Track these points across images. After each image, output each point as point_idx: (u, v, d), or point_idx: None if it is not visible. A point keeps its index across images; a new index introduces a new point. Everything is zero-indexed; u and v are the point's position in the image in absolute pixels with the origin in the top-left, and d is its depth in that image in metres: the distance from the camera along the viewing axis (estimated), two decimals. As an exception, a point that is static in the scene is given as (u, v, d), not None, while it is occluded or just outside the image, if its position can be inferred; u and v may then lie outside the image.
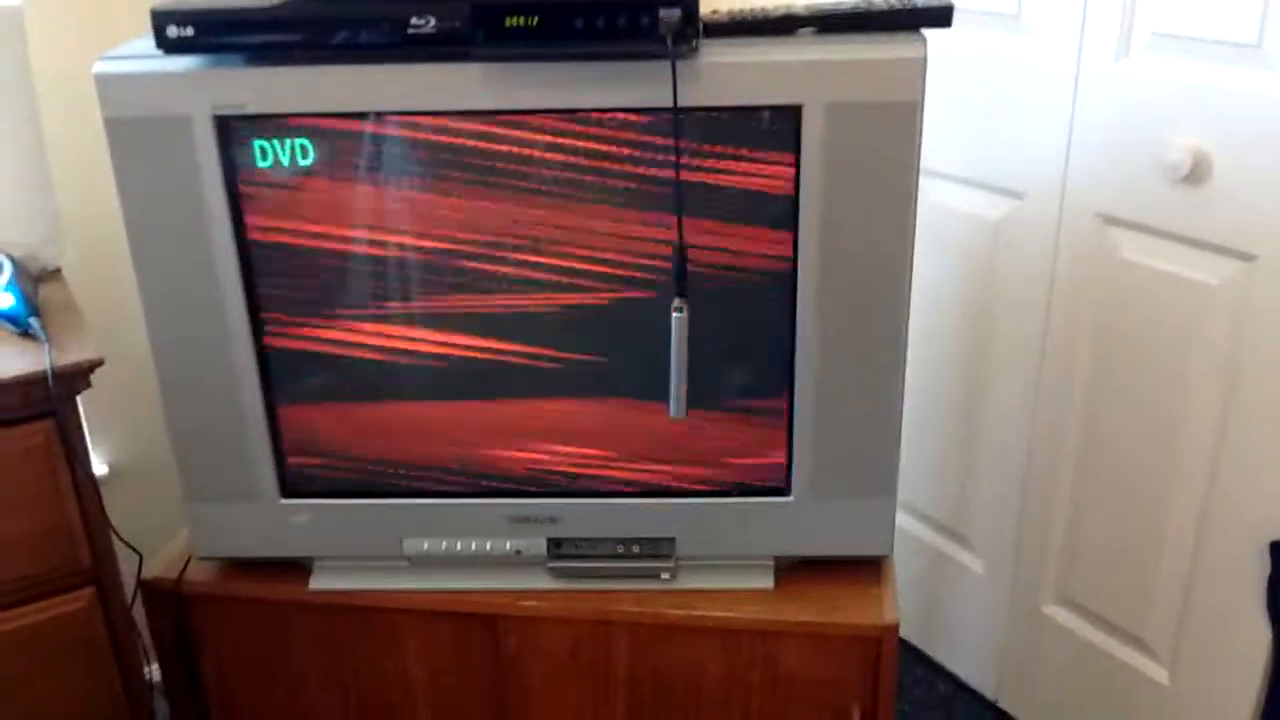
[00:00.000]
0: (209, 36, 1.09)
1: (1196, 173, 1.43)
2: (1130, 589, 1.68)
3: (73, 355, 1.26)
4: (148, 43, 1.12)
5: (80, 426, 1.29)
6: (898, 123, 1.09)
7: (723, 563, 1.32)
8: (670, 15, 1.03)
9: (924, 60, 1.08)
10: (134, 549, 1.41)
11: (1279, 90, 1.34)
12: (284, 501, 1.29)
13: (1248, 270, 1.41)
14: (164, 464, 1.85)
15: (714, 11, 1.15)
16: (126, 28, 1.60)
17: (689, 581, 1.32)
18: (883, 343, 1.19)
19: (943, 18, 1.10)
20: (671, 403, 1.16)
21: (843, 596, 1.30)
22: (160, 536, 1.53)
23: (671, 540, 1.30)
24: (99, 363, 1.26)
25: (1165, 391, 1.55)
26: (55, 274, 1.53)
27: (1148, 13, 1.45)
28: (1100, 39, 1.51)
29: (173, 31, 1.09)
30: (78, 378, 1.26)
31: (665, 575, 1.31)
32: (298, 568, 1.36)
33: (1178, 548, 1.59)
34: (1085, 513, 1.72)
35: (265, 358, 1.23)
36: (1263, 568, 1.47)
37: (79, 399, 1.28)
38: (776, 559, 1.32)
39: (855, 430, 1.22)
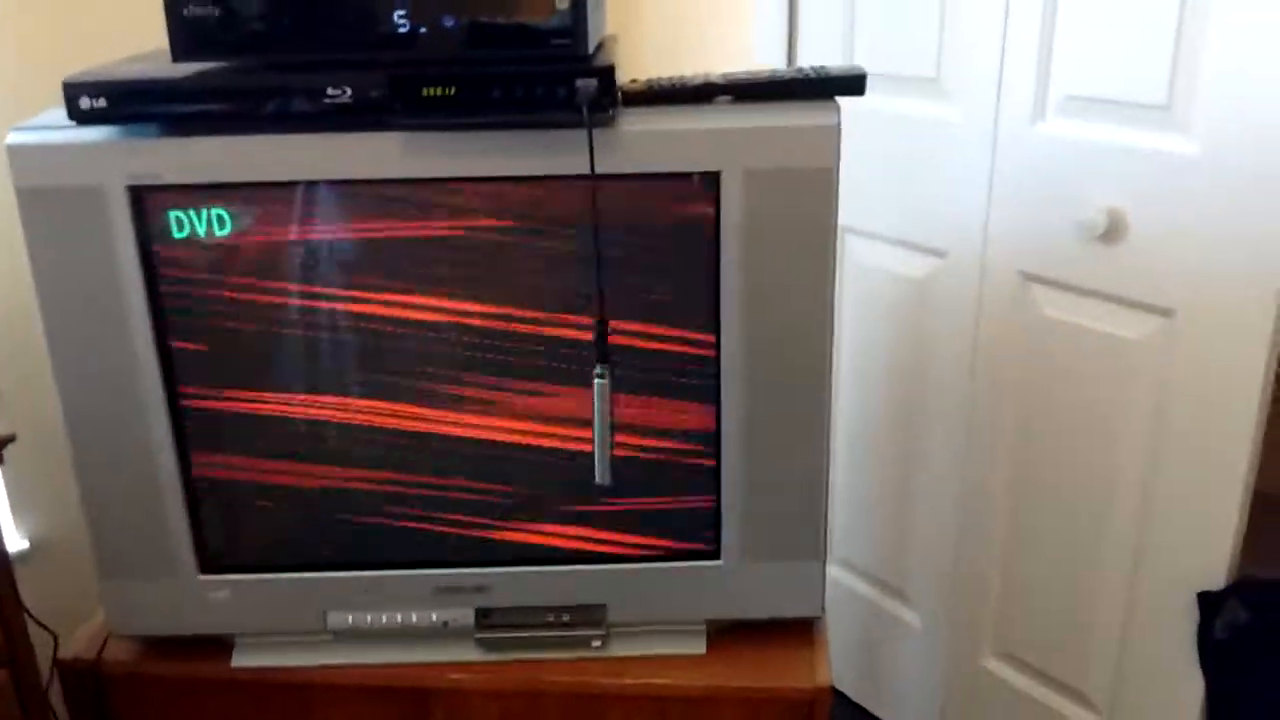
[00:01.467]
0: (122, 107, 1.08)
1: (1113, 231, 1.46)
2: (1068, 642, 1.69)
3: (-18, 431, 1.23)
4: (61, 114, 1.11)
5: (-10, 504, 1.25)
6: (814, 187, 1.11)
7: (654, 628, 1.31)
8: (587, 85, 1.04)
9: (837, 127, 1.09)
10: (48, 630, 1.36)
11: (1188, 149, 1.37)
12: (202, 577, 1.26)
13: (1166, 326, 1.44)
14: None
15: (633, 80, 1.16)
16: (41, 98, 1.58)
17: (621, 648, 1.30)
18: (806, 404, 1.19)
19: (856, 86, 1.12)
20: (596, 468, 1.15)
21: (775, 660, 1.29)
22: (90, 611, 1.48)
23: (603, 607, 1.28)
24: (10, 439, 1.23)
25: (1092, 446, 1.57)
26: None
27: (1061, 76, 1.49)
28: (1016, 102, 1.54)
29: (85, 103, 1.08)
30: (-13, 453, 1.23)
31: (596, 643, 1.29)
32: (220, 644, 1.32)
33: (1111, 600, 1.60)
34: (1019, 566, 1.73)
35: (182, 432, 1.21)
36: (1193, 618, 1.48)
37: (-8, 475, 1.24)
38: (708, 623, 1.31)
39: (782, 492, 1.22)
